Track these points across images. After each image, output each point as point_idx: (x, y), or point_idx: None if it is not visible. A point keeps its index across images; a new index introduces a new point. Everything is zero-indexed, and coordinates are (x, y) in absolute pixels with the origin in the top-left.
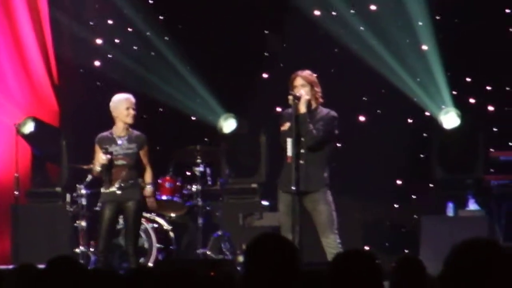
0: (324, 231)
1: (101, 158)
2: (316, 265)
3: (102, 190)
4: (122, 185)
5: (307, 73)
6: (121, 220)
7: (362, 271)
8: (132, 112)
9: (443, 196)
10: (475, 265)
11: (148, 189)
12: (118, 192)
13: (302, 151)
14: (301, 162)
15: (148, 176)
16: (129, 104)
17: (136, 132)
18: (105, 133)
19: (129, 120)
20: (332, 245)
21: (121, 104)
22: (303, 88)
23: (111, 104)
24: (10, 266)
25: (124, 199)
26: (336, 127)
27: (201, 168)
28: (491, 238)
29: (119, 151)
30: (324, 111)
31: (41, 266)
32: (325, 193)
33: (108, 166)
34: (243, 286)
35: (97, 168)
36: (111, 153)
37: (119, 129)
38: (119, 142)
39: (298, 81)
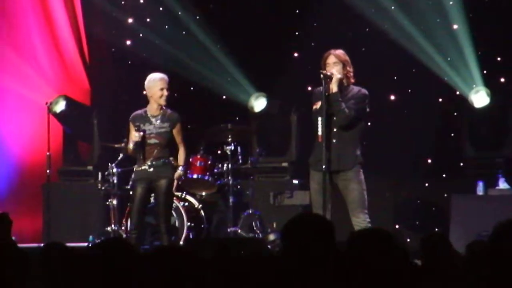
0: (354, 210)
1: (133, 135)
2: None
3: (135, 168)
4: (154, 163)
5: (340, 52)
6: (152, 199)
7: (376, 251)
8: (165, 93)
9: (473, 174)
10: None
11: (177, 172)
12: (150, 170)
13: (334, 130)
14: (333, 141)
15: (181, 157)
16: (163, 84)
17: (169, 111)
18: (139, 112)
19: (162, 101)
20: (361, 224)
21: (156, 84)
22: (336, 66)
23: (146, 83)
24: (42, 245)
25: (156, 177)
26: (367, 105)
27: (232, 147)
28: None
29: (152, 130)
30: (355, 89)
31: (71, 244)
32: (357, 171)
33: (141, 144)
34: (279, 265)
35: (130, 145)
36: (143, 131)
37: (153, 108)
38: (153, 121)
39: (331, 59)
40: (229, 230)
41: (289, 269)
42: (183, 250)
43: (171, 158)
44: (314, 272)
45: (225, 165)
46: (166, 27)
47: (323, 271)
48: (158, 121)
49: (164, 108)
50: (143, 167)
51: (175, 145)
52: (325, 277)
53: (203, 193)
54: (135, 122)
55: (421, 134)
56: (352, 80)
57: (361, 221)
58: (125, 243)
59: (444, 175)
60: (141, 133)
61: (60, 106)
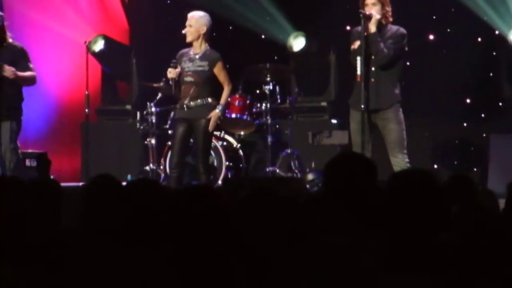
0: (393, 150)
1: (168, 71)
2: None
3: (176, 106)
4: (192, 103)
5: None
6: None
7: (418, 190)
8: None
9: None
10: None
11: (214, 111)
12: (188, 109)
13: (372, 69)
14: (372, 80)
15: (222, 96)
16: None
17: (210, 50)
18: (187, 49)
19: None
20: (400, 164)
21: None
22: (374, 6)
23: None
24: (80, 184)
25: (194, 117)
26: (405, 44)
27: (270, 86)
28: None
29: (190, 68)
30: (393, 28)
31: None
32: (396, 111)
33: (177, 82)
34: (320, 204)
35: (162, 82)
36: (175, 67)
37: (195, 46)
38: (193, 58)
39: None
40: (267, 169)
41: (330, 208)
42: (219, 189)
43: (209, 98)
44: (355, 211)
45: (264, 104)
46: None
47: (365, 209)
48: (197, 59)
49: (207, 47)
50: (182, 107)
51: (219, 84)
52: (367, 215)
53: (242, 133)
54: (178, 59)
55: (460, 74)
56: (390, 20)
57: (400, 160)
58: (157, 183)
59: (483, 115)
60: (177, 70)
61: (99, 45)
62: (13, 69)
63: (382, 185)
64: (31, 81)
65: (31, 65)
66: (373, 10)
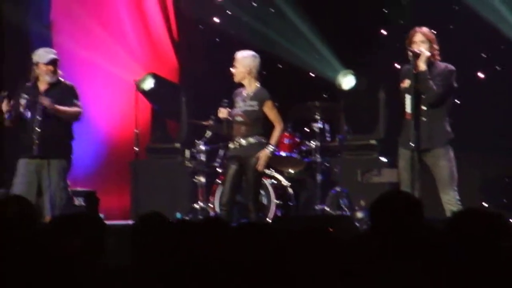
0: (444, 187)
1: (219, 111)
2: (435, 222)
3: (228, 144)
4: (243, 141)
5: (426, 29)
6: None
7: (481, 230)
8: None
9: None
10: None
11: (263, 150)
12: (239, 148)
13: (423, 108)
14: (423, 119)
15: (273, 135)
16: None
17: (259, 89)
18: (241, 89)
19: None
20: (451, 201)
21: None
22: (423, 44)
23: (247, 58)
24: (130, 222)
25: (245, 155)
26: (454, 80)
27: (319, 124)
28: None
29: (242, 107)
30: (441, 65)
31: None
32: (447, 148)
33: (229, 122)
34: (366, 242)
35: (211, 120)
36: (226, 107)
37: (246, 85)
38: (244, 98)
39: (418, 37)
40: (316, 207)
41: (377, 247)
42: (269, 227)
43: (260, 137)
44: (403, 249)
45: (313, 142)
46: (254, 4)
47: (412, 248)
48: (248, 98)
49: (258, 85)
50: (233, 145)
51: (270, 122)
52: (414, 254)
53: (291, 171)
54: (232, 98)
55: (509, 112)
56: (438, 58)
57: (451, 198)
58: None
59: None
60: (228, 110)
61: (148, 83)
62: (50, 100)
63: (437, 223)
64: (74, 116)
65: (77, 102)
66: (422, 48)
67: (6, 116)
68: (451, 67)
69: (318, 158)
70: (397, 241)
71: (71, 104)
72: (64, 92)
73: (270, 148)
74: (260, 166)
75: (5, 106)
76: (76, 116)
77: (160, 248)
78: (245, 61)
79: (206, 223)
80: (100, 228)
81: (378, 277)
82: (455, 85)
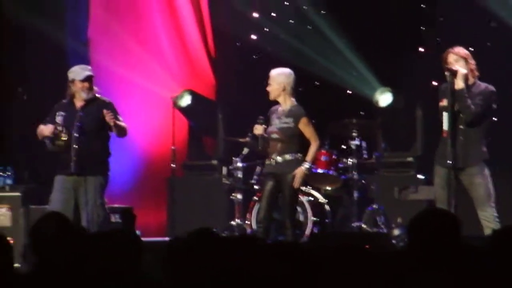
0: (481, 204)
1: (255, 128)
2: (473, 239)
3: (264, 161)
4: (279, 158)
5: (458, 48)
6: None
7: None
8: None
9: None
10: None
11: (299, 168)
12: (275, 165)
13: (460, 126)
14: (460, 138)
15: (309, 152)
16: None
17: (295, 106)
18: (277, 106)
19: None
20: (489, 218)
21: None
22: (458, 63)
23: (281, 75)
24: (166, 238)
25: (281, 172)
26: (494, 101)
27: (356, 142)
28: None
29: (277, 125)
30: (482, 85)
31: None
32: (482, 166)
33: (264, 138)
34: (402, 259)
35: (248, 137)
36: (261, 123)
37: (282, 103)
38: (280, 115)
39: (451, 58)
40: (353, 225)
41: (415, 265)
42: (305, 246)
43: (296, 153)
44: (440, 267)
45: (350, 159)
46: (291, 21)
47: (450, 266)
48: (283, 116)
49: (294, 102)
50: (269, 162)
51: (306, 139)
52: (452, 272)
53: (328, 188)
54: (268, 116)
55: None
56: (477, 73)
57: (488, 215)
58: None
59: None
60: (263, 127)
61: (186, 100)
62: (111, 115)
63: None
64: (125, 131)
65: (120, 118)
66: (458, 66)
67: (46, 141)
68: (492, 87)
69: (355, 175)
70: (434, 259)
71: (118, 120)
72: (100, 109)
73: (306, 165)
74: (296, 183)
75: (48, 131)
76: (126, 131)
77: (197, 264)
78: (279, 78)
79: (242, 240)
80: (136, 245)
81: None
82: (494, 106)
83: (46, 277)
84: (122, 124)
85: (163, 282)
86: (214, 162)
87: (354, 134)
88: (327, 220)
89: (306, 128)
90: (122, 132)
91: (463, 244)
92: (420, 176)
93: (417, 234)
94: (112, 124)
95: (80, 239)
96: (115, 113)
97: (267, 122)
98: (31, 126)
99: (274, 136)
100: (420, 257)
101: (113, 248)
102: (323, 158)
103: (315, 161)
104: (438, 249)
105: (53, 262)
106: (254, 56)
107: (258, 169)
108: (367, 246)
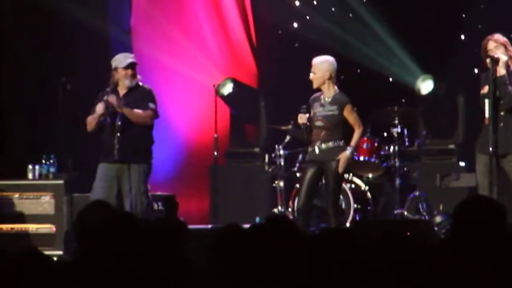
0: None
1: (298, 117)
2: None
3: (307, 149)
4: (323, 146)
5: (497, 35)
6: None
7: None
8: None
9: None
10: None
11: (343, 153)
12: (318, 152)
13: (501, 113)
14: (500, 124)
15: (353, 138)
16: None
17: (339, 94)
18: (318, 93)
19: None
20: None
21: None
22: (497, 50)
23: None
24: (209, 226)
25: (324, 159)
26: None
27: (398, 129)
28: None
29: (321, 112)
30: None
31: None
32: None
33: (308, 127)
34: (447, 247)
35: (290, 125)
36: (305, 112)
37: (325, 91)
38: (323, 103)
39: (491, 45)
40: (395, 212)
41: (458, 252)
42: (350, 233)
43: (340, 141)
44: (484, 255)
45: (392, 147)
46: (333, 9)
47: (494, 254)
48: (327, 104)
49: (337, 90)
50: (312, 149)
51: (349, 126)
52: (496, 260)
53: (370, 175)
54: (311, 104)
55: None
56: None
57: None
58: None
59: None
60: (307, 116)
61: (228, 88)
62: (119, 100)
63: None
64: (143, 118)
65: (152, 106)
66: (499, 53)
67: (100, 119)
68: None
69: (396, 162)
70: (478, 248)
71: (144, 107)
72: (141, 96)
73: (350, 149)
74: (341, 167)
75: (102, 109)
76: (146, 119)
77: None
78: (323, 66)
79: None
80: (182, 232)
81: (457, 282)
82: None
83: (91, 265)
84: (137, 110)
85: (208, 269)
86: (256, 150)
87: (395, 121)
88: (369, 208)
89: (350, 115)
90: (137, 119)
91: (509, 233)
92: (461, 163)
93: (462, 221)
94: (118, 108)
95: (127, 226)
96: (149, 100)
97: (308, 110)
98: (74, 114)
99: (319, 123)
100: (463, 247)
101: (158, 235)
102: (365, 145)
103: (357, 149)
104: (483, 237)
105: (99, 251)
106: (296, 44)
107: (300, 156)
108: (408, 233)
